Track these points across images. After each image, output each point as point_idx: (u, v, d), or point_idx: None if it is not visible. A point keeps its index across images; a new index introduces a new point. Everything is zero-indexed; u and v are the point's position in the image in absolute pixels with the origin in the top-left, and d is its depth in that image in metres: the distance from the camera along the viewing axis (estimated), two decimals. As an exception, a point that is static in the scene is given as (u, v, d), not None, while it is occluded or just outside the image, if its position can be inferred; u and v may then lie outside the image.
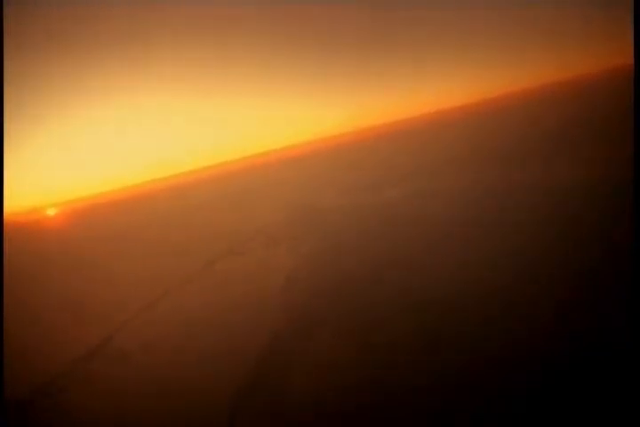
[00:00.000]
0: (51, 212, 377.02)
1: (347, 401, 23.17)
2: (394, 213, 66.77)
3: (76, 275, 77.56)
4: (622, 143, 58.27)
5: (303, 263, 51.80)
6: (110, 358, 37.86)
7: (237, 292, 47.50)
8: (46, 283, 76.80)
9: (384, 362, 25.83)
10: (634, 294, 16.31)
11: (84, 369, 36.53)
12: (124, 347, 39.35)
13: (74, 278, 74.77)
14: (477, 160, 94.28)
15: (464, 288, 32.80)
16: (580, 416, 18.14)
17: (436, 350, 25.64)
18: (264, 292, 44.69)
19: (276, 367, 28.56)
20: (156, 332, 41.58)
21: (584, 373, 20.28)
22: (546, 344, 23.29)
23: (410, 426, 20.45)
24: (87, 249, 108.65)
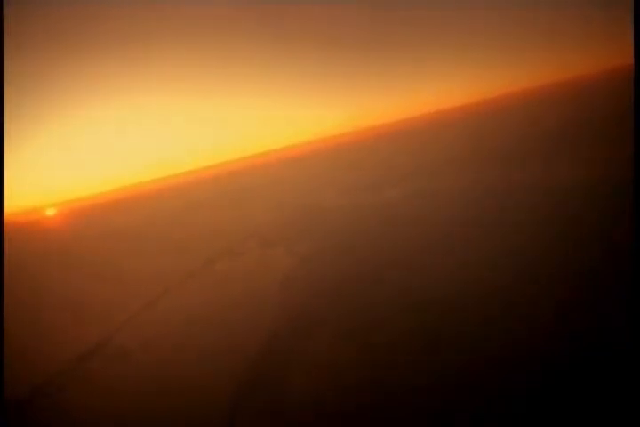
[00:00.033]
0: (51, 212, 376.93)
1: (346, 401, 23.16)
2: (394, 213, 66.78)
3: (76, 275, 77.52)
4: (622, 143, 58.34)
5: (303, 263, 51.81)
6: (110, 356, 37.88)
7: (237, 291, 47.53)
8: (46, 283, 76.77)
9: (384, 362, 25.82)
10: (634, 294, 16.30)
11: (84, 368, 36.54)
12: (124, 346, 39.37)
13: (74, 278, 74.74)
14: (477, 160, 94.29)
15: (464, 288, 32.80)
16: (580, 416, 18.13)
17: (436, 350, 25.63)
18: (263, 291, 44.70)
19: (276, 366, 28.56)
20: (156, 330, 41.58)
21: (584, 373, 20.27)
22: (546, 344, 23.28)
23: (410, 426, 20.44)
24: (87, 249, 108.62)
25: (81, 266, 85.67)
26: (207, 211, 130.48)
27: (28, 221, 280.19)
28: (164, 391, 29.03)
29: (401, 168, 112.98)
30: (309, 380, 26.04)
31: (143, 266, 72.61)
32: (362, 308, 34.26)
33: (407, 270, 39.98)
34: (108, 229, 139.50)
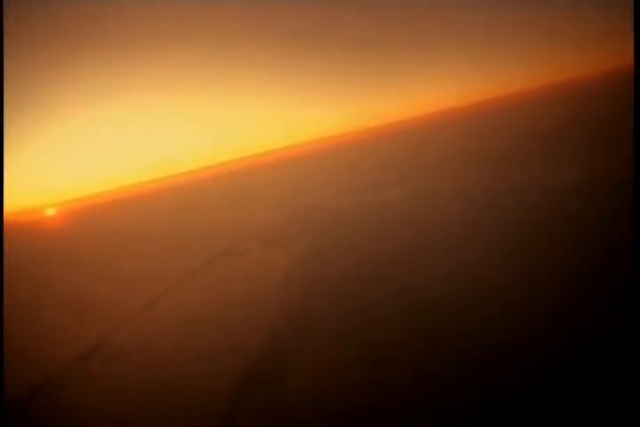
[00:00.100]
0: (50, 211, 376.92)
1: (346, 400, 23.16)
2: (394, 213, 66.78)
3: (76, 275, 77.52)
4: (622, 143, 58.37)
5: (302, 263, 51.82)
6: (110, 356, 37.87)
7: (237, 290, 47.54)
8: (46, 282, 76.79)
9: (384, 362, 25.82)
10: (634, 294, 16.31)
11: (84, 368, 36.54)
12: (124, 345, 39.37)
13: (73, 278, 74.73)
14: (477, 160, 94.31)
15: (464, 288, 32.80)
16: (580, 416, 18.13)
17: (436, 350, 25.62)
18: (263, 291, 44.71)
19: (275, 366, 28.57)
20: (156, 330, 41.60)
21: (584, 373, 20.27)
22: (546, 344, 23.28)
23: (410, 426, 20.44)
24: (87, 249, 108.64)
25: (81, 266, 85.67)
26: (207, 211, 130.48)
27: (28, 221, 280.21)
28: (164, 391, 29.02)
29: (401, 168, 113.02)
30: (309, 379, 26.04)
31: (143, 266, 72.61)
32: (362, 308, 34.26)
33: (407, 270, 39.98)
34: (107, 229, 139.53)
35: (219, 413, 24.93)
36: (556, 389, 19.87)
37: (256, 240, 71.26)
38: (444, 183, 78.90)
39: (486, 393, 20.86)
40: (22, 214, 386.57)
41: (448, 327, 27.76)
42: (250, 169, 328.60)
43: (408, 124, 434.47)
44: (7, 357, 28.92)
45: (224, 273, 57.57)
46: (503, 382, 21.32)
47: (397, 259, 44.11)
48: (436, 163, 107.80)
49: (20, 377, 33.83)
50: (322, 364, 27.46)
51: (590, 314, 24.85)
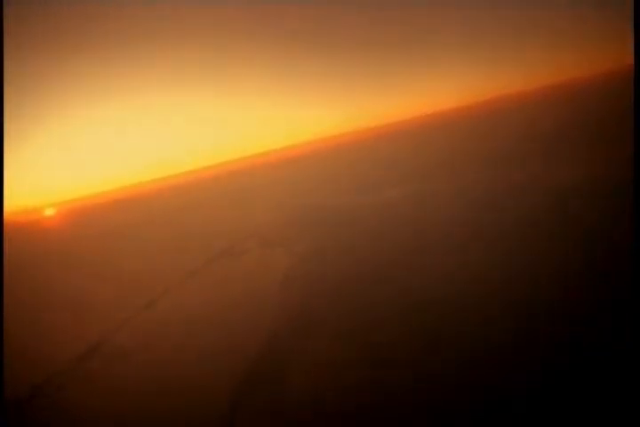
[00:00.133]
0: (50, 212, 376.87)
1: (346, 400, 23.16)
2: (394, 213, 66.78)
3: (76, 274, 77.52)
4: (621, 143, 58.35)
5: (302, 263, 51.82)
6: (110, 356, 37.87)
7: (237, 290, 47.54)
8: (46, 282, 76.78)
9: (384, 362, 25.82)
10: (634, 294, 16.32)
11: (84, 368, 36.53)
12: (124, 345, 39.37)
13: (73, 278, 74.73)
14: (477, 160, 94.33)
15: (464, 288, 32.80)
16: (580, 416, 18.13)
17: (436, 350, 25.62)
18: (263, 291, 44.71)
19: (275, 366, 28.57)
20: (156, 330, 41.61)
21: (584, 373, 20.28)
22: (546, 344, 23.28)
23: (410, 426, 20.44)
24: (87, 249, 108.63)
25: (81, 266, 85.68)
26: (207, 211, 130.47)
27: (28, 221, 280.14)
28: (164, 391, 29.01)
29: (401, 168, 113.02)
30: (309, 379, 26.04)
31: (143, 266, 72.61)
32: (362, 308, 34.26)
33: (407, 270, 39.97)
34: (107, 229, 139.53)
35: (219, 413, 24.92)
36: (557, 389, 19.87)
37: (256, 240, 71.26)
38: (443, 183, 78.91)
39: (486, 393, 20.86)
40: (22, 214, 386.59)
41: (448, 327, 27.76)
42: (250, 169, 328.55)
43: (408, 125, 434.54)
44: (7, 357, 28.90)
45: (224, 273, 57.57)
46: (503, 382, 21.32)
47: (397, 259, 44.10)
48: (435, 163, 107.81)
49: (20, 377, 33.81)
50: (322, 364, 27.46)
51: (590, 314, 24.86)
